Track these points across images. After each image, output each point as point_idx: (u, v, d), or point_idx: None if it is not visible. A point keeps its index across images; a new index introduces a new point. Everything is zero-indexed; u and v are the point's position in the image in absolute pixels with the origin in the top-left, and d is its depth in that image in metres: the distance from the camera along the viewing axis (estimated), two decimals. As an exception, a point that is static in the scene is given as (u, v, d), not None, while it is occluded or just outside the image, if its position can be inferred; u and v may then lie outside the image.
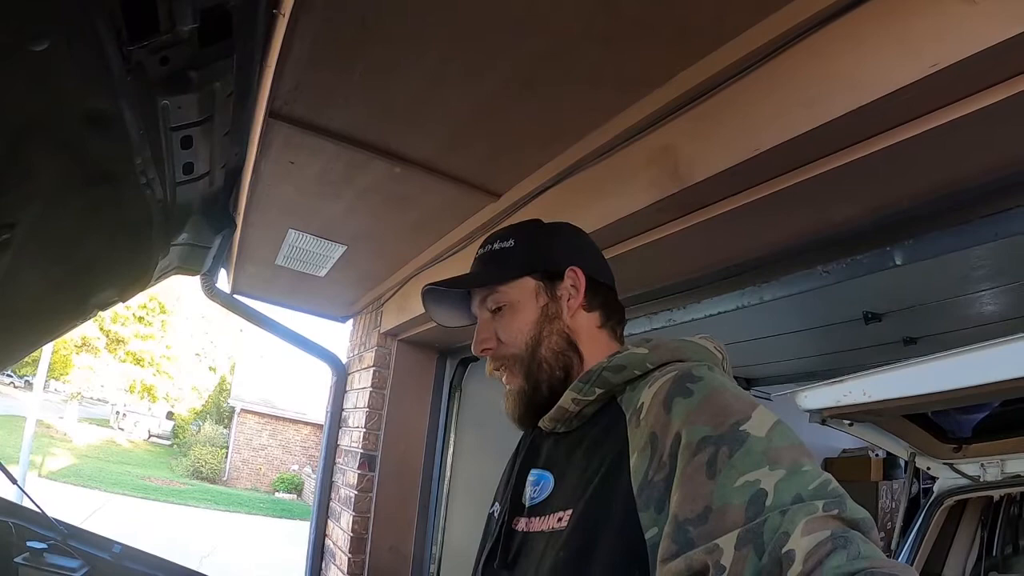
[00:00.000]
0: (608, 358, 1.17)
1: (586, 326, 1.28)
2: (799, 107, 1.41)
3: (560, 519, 1.08)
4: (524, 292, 1.29)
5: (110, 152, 1.64)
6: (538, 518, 1.15)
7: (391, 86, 1.86)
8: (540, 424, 1.26)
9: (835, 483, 0.83)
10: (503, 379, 1.30)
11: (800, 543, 0.74)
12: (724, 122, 1.61)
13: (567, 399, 1.18)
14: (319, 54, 1.74)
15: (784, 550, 0.75)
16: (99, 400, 37.58)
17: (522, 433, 1.44)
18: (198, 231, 2.61)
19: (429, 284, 1.34)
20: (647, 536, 0.92)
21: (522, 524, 1.19)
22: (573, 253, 1.33)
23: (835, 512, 0.78)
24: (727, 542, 0.80)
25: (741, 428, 0.90)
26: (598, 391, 1.15)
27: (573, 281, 1.28)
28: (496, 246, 1.33)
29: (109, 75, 1.33)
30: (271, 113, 1.99)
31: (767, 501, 0.81)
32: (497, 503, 1.36)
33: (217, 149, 1.94)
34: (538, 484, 1.21)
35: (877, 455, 6.68)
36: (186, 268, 3.06)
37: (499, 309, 1.30)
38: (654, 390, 1.04)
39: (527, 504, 1.21)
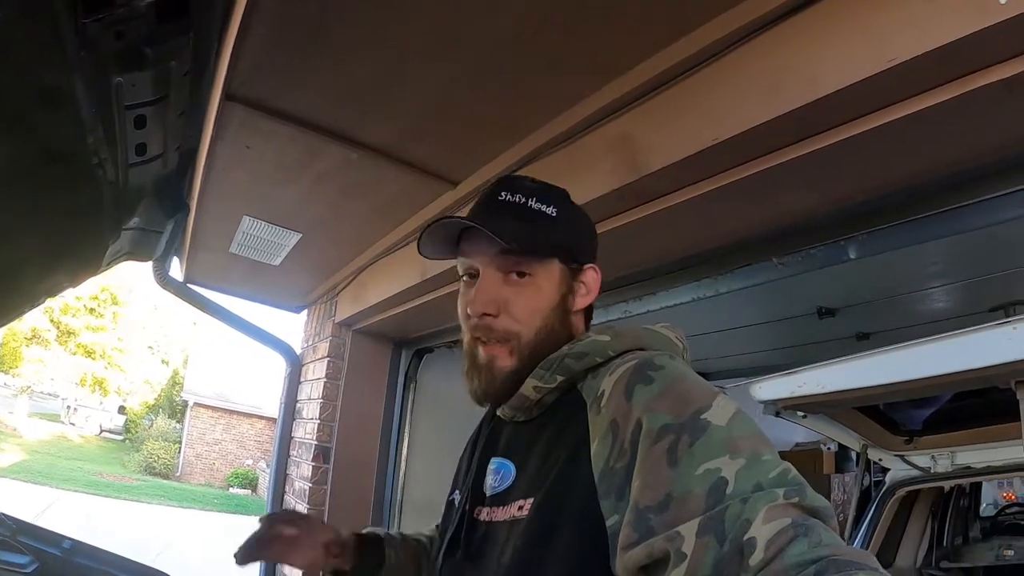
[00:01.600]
0: (569, 345, 1.15)
1: (579, 324, 1.25)
2: (758, 98, 1.43)
3: (521, 507, 1.07)
4: (552, 273, 1.19)
5: (62, 130, 1.60)
6: (501, 507, 1.13)
7: (350, 70, 1.84)
8: (500, 413, 1.24)
9: (795, 472, 0.84)
10: (485, 350, 1.18)
11: (761, 531, 0.75)
12: (683, 112, 1.62)
13: (528, 387, 1.15)
14: (278, 35, 1.71)
15: (745, 537, 0.76)
16: (49, 394, 36.80)
17: (480, 421, 1.43)
18: (150, 215, 2.56)
19: (455, 217, 1.18)
20: (608, 523, 0.92)
21: (485, 514, 1.17)
22: (594, 247, 1.28)
23: (795, 500, 0.79)
24: (688, 530, 0.80)
25: (702, 417, 0.90)
26: (559, 379, 1.12)
27: (588, 279, 1.24)
28: (534, 204, 1.18)
29: (62, 50, 1.30)
30: (227, 95, 1.96)
31: (728, 489, 0.81)
32: (457, 491, 1.33)
33: (171, 130, 1.90)
34: (499, 473, 1.19)
35: (829, 448, 6.81)
36: (138, 254, 3.01)
37: (522, 275, 1.16)
38: (615, 377, 1.04)
39: (488, 493, 1.19)
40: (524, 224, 1.15)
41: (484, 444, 1.28)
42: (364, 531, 1.50)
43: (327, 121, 2.14)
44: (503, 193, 1.20)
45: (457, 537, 1.18)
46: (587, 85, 1.81)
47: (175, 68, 1.58)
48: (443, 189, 2.53)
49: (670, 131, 1.64)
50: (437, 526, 1.55)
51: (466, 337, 1.22)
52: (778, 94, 1.38)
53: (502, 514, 1.12)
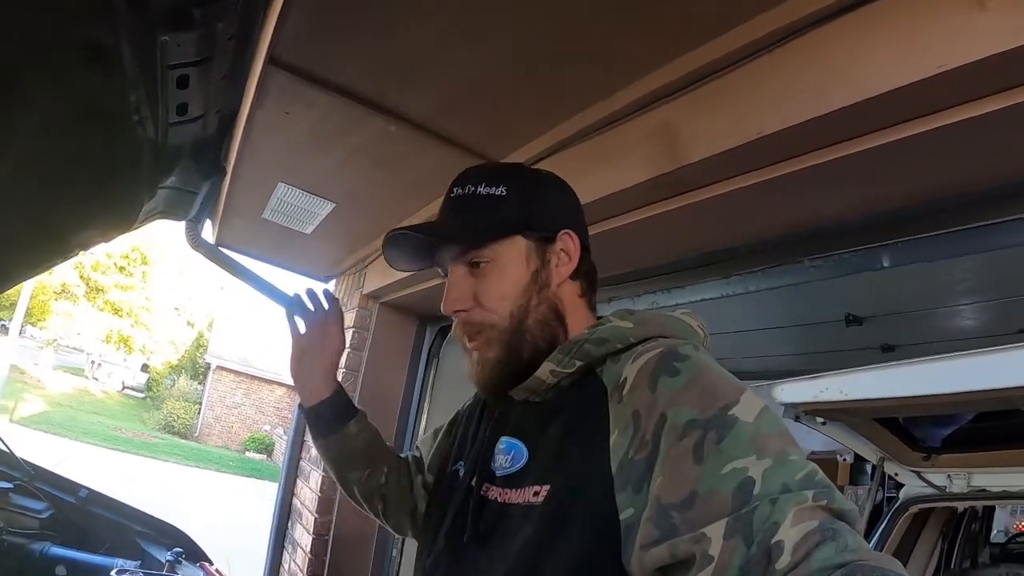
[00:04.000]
0: (590, 330, 1.13)
1: (570, 295, 1.22)
2: (803, 95, 1.41)
3: (536, 493, 1.06)
4: (513, 252, 1.17)
5: (104, 86, 1.60)
6: (515, 490, 1.11)
7: (395, 42, 1.83)
8: (511, 393, 1.22)
9: (821, 473, 0.83)
10: (472, 345, 1.20)
11: (789, 534, 0.75)
12: (726, 105, 1.60)
13: (544, 371, 1.14)
14: (325, 3, 1.71)
15: (773, 540, 0.75)
16: (75, 348, 37.37)
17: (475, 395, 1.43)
18: (187, 176, 2.56)
19: (399, 229, 1.19)
20: (622, 516, 0.91)
21: (496, 494, 1.15)
22: (566, 213, 1.26)
23: (824, 503, 0.78)
24: (715, 531, 0.80)
25: (729, 413, 0.89)
26: (578, 363, 1.11)
27: (565, 246, 1.21)
28: (482, 190, 1.19)
29: (111, 5, 1.30)
30: (271, 60, 1.96)
31: (755, 490, 0.80)
32: (461, 463, 1.31)
33: (213, 92, 1.90)
34: (510, 453, 1.17)
35: (845, 459, 6.75)
36: (172, 213, 3.01)
37: (478, 265, 1.18)
38: (638, 366, 1.02)
39: (498, 473, 1.17)
40: (467, 214, 1.19)
41: (493, 423, 1.26)
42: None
43: (367, 92, 2.12)
44: (455, 188, 1.23)
45: (464, 516, 1.16)
46: (630, 73, 1.79)
47: (221, 30, 1.57)
48: (478, 167, 2.50)
49: (713, 123, 1.62)
50: (416, 448, 1.60)
51: (453, 334, 1.24)
52: (824, 93, 1.36)
53: (516, 496, 1.10)
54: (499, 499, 1.14)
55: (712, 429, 0.87)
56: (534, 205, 1.21)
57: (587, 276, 1.26)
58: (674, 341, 1.08)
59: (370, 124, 2.29)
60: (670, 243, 2.13)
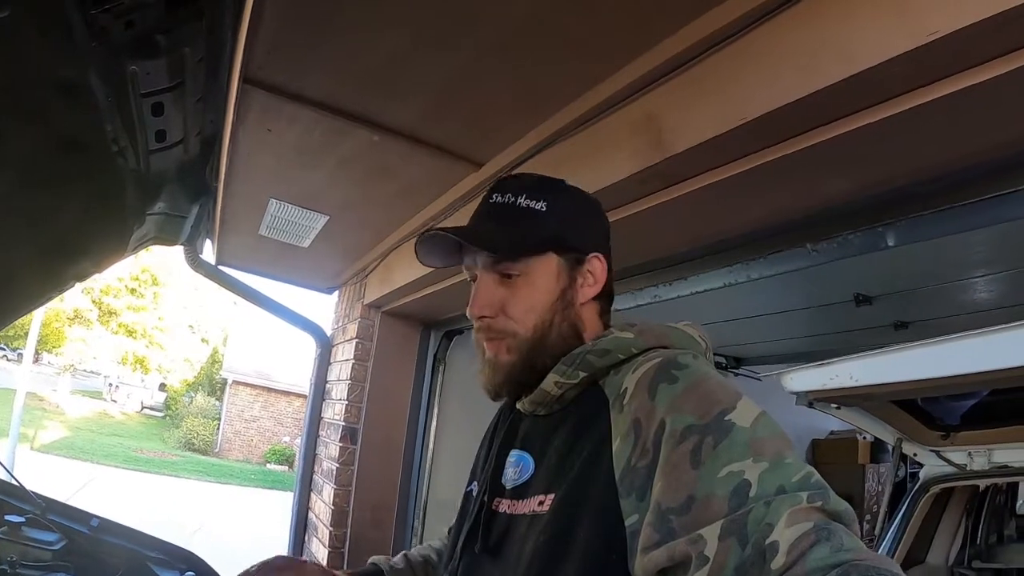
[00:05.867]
0: (592, 341, 1.15)
1: (590, 314, 1.23)
2: (788, 75, 1.37)
3: (542, 502, 1.07)
4: (545, 268, 1.17)
5: (79, 120, 1.62)
6: (521, 500, 1.13)
7: (367, 52, 1.81)
8: (519, 407, 1.24)
9: (817, 475, 0.84)
10: (488, 347, 1.19)
11: (784, 534, 0.75)
12: (710, 90, 1.56)
13: (550, 383, 1.14)
14: (292, 17, 1.69)
15: (768, 541, 0.76)
16: (92, 372, 37.66)
17: (497, 413, 1.42)
18: (174, 200, 2.58)
19: (439, 229, 1.17)
20: (627, 523, 0.92)
21: (505, 506, 1.16)
22: (598, 236, 1.26)
23: (818, 504, 0.79)
24: (710, 533, 0.80)
25: (726, 418, 0.89)
26: (582, 375, 1.12)
27: (593, 268, 1.21)
28: (523, 202, 1.17)
29: (73, 41, 1.31)
30: (246, 79, 1.94)
31: (751, 492, 0.81)
32: (475, 483, 1.32)
33: (190, 116, 1.91)
34: (518, 465, 1.19)
35: (865, 438, 6.72)
36: (164, 238, 3.03)
37: (510, 276, 1.16)
38: (638, 376, 1.03)
39: (508, 486, 1.19)
40: (508, 226, 1.17)
41: (503, 436, 1.27)
42: (365, 566, 1.47)
43: (346, 103, 2.11)
44: (495, 195, 1.21)
45: (476, 529, 1.18)
46: (609, 64, 1.77)
47: (189, 54, 1.59)
48: (467, 171, 2.50)
49: (696, 111, 1.59)
50: (450, 529, 1.52)
51: (473, 335, 1.22)
52: (810, 71, 1.32)
53: (523, 507, 1.11)
54: (507, 511, 1.15)
55: (709, 434, 0.88)
56: (570, 225, 1.21)
57: (607, 296, 1.26)
58: (674, 351, 1.09)
59: (354, 136, 2.28)
60: (665, 235, 2.10)
